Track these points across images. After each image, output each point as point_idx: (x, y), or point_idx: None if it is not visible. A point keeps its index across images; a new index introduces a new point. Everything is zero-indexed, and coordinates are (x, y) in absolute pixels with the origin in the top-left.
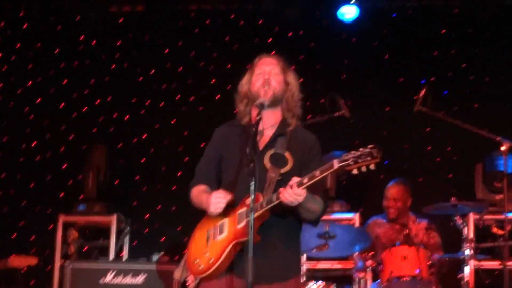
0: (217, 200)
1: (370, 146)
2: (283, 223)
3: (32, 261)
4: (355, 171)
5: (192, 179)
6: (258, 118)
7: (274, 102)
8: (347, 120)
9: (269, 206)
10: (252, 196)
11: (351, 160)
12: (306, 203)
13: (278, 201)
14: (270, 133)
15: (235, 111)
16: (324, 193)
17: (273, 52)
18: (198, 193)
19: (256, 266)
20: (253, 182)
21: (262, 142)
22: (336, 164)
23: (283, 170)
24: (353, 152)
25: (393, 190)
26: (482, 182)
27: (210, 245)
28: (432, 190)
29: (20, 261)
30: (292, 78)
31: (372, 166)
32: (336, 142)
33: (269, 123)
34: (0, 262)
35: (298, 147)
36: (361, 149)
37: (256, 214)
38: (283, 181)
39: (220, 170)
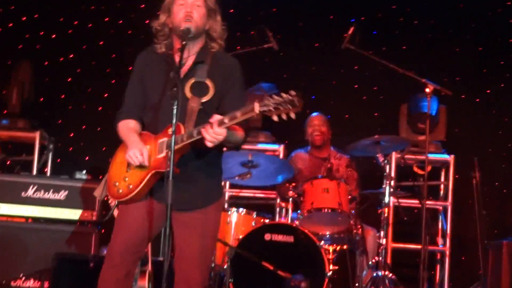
0: (134, 157)
1: (293, 93)
2: (203, 155)
3: None
4: (275, 118)
5: (120, 107)
6: (183, 44)
7: (196, 35)
8: (276, 53)
9: (190, 141)
10: (174, 120)
11: (272, 106)
12: (227, 138)
13: (198, 137)
14: (190, 62)
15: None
16: (245, 124)
17: None
18: (125, 130)
19: (176, 196)
20: (175, 106)
21: (183, 71)
22: (257, 108)
23: (204, 99)
24: (275, 97)
25: (316, 119)
26: (406, 122)
27: (131, 171)
28: (357, 127)
29: None
30: (215, 9)
31: (292, 115)
32: (264, 74)
33: (190, 52)
34: None
35: (219, 73)
36: (284, 95)
37: (177, 147)
38: (204, 110)
39: (145, 96)
